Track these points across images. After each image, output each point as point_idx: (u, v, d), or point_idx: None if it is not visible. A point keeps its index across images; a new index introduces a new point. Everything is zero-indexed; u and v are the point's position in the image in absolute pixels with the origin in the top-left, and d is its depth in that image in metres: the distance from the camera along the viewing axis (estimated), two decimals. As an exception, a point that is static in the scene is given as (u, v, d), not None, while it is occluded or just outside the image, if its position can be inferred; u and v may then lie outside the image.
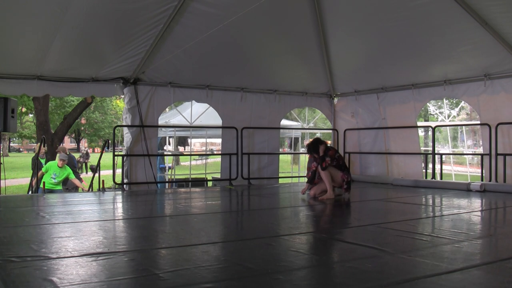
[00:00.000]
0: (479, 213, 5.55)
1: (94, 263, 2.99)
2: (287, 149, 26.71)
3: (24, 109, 20.01)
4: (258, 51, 8.72)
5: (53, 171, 9.05)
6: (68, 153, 10.55)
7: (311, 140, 6.96)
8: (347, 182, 6.59)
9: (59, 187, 9.18)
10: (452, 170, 13.48)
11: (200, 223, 4.87)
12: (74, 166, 10.20)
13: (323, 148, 6.60)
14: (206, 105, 9.55)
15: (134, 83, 8.28)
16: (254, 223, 5.01)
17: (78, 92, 8.27)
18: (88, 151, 32.03)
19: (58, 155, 9.55)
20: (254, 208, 6.54)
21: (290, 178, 11.48)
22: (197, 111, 9.92)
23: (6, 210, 5.74)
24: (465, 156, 15.93)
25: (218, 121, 9.53)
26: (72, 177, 9.43)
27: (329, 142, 7.63)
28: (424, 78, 8.76)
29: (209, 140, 15.39)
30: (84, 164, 24.95)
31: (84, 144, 49.06)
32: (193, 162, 13.79)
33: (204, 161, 23.27)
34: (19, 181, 17.55)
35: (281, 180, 10.20)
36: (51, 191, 8.88)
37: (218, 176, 12.04)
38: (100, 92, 8.40)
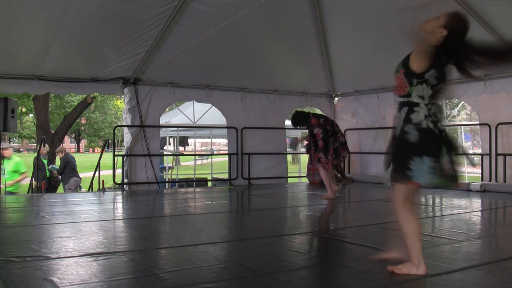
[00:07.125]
0: (479, 213, 5.55)
1: (94, 263, 2.99)
2: (287, 149, 26.63)
3: (24, 109, 19.96)
4: (258, 51, 8.70)
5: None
6: (67, 152, 10.54)
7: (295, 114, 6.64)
8: (334, 152, 6.40)
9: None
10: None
11: (200, 223, 4.87)
12: (74, 166, 10.20)
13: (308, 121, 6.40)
14: (208, 105, 9.53)
15: (134, 83, 8.27)
16: (254, 223, 5.01)
17: (79, 90, 8.39)
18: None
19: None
20: (254, 208, 6.54)
21: (297, 179, 11.44)
22: (199, 110, 9.87)
23: (6, 210, 5.74)
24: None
25: (222, 121, 9.51)
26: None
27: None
28: (424, 78, 8.74)
29: (210, 140, 15.38)
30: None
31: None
32: (193, 162, 13.80)
33: (203, 161, 23.30)
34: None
35: (281, 180, 10.18)
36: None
37: (219, 176, 12.01)
38: (101, 89, 8.47)
